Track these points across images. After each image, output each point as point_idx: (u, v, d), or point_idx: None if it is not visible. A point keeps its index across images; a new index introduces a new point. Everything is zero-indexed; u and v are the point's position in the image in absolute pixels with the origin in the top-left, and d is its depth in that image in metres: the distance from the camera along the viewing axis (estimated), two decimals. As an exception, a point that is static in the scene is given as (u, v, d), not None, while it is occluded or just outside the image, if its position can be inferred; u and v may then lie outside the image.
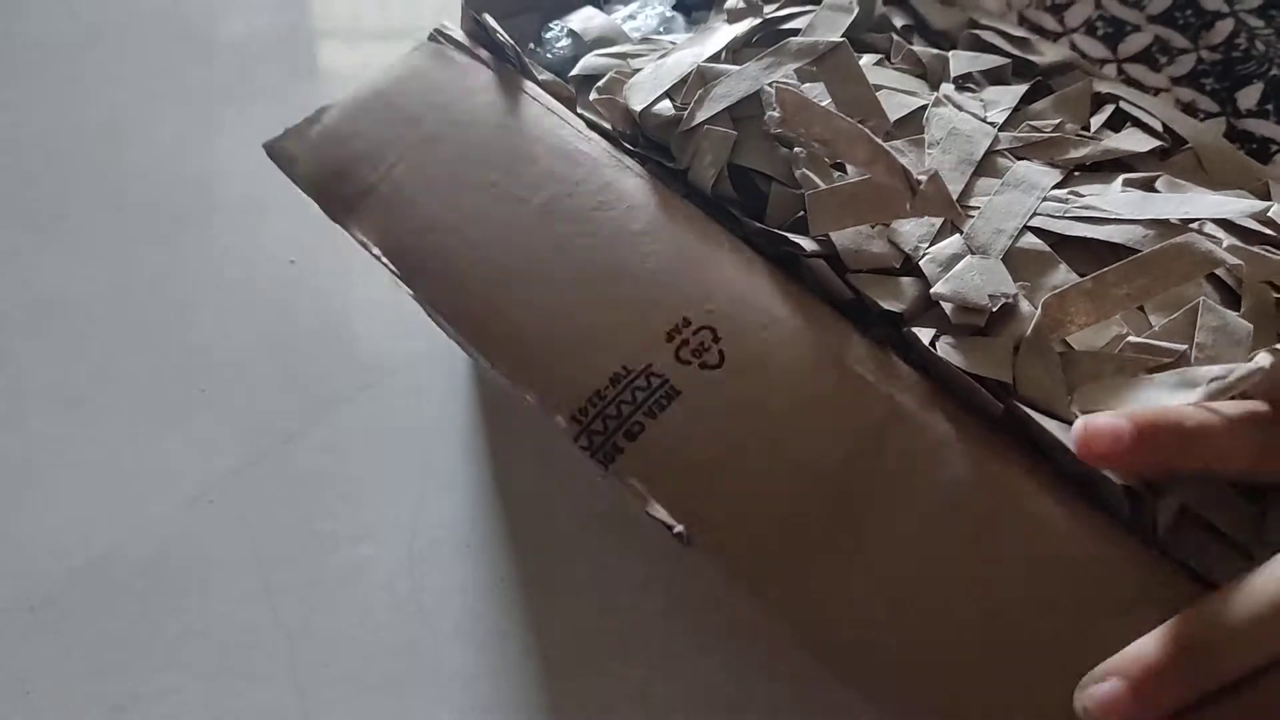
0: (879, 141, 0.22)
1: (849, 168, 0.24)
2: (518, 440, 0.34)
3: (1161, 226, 0.23)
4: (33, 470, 0.33)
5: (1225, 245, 0.22)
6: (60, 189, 0.42)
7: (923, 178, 0.22)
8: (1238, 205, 0.23)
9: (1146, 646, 0.18)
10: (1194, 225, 0.23)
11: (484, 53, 0.27)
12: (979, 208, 0.23)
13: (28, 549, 0.31)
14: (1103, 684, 0.18)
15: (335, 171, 0.26)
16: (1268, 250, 0.23)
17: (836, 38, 0.25)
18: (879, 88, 0.26)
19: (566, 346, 0.23)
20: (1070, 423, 0.20)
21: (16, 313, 0.38)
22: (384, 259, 0.25)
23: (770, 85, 0.25)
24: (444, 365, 0.36)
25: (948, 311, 0.22)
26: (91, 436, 0.34)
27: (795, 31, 0.27)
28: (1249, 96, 0.31)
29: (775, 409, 0.21)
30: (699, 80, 0.25)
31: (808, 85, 0.26)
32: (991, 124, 0.26)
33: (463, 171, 0.25)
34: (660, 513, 0.21)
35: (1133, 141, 0.26)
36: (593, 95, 0.27)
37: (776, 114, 0.23)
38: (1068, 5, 0.34)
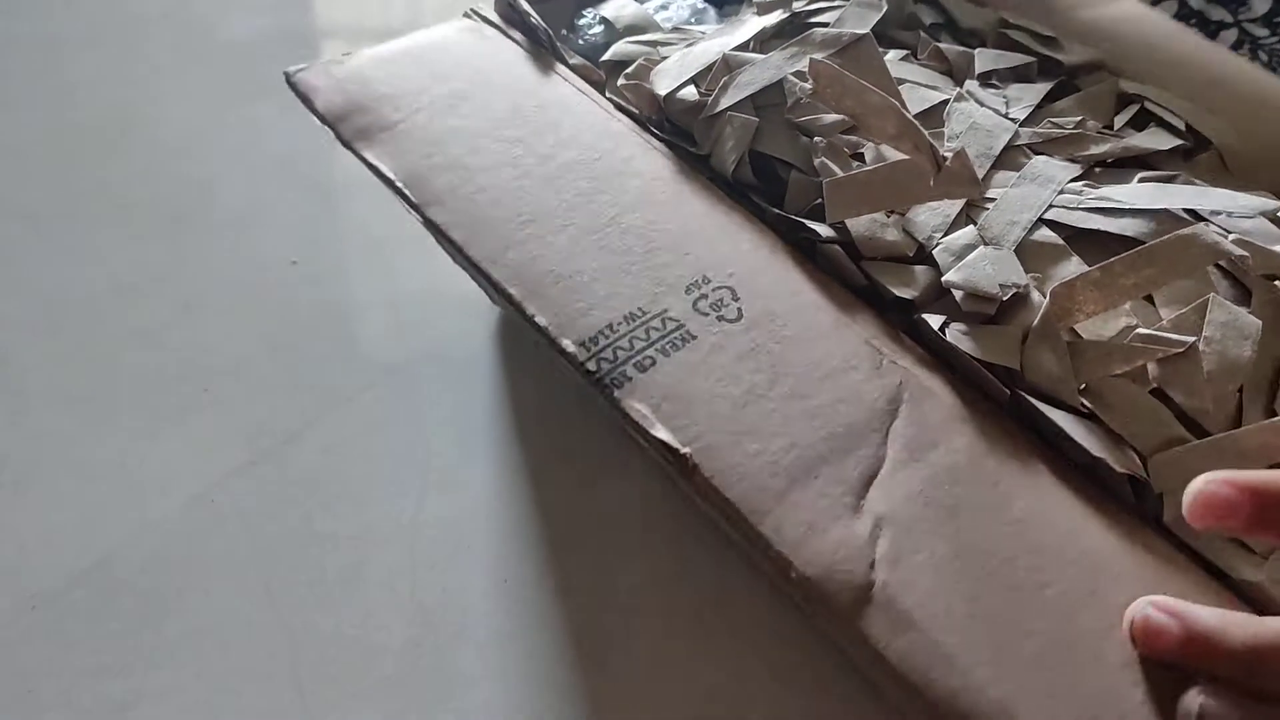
0: (909, 116, 0.22)
1: (868, 156, 0.24)
2: (519, 440, 0.34)
3: (1174, 220, 0.23)
4: (35, 470, 0.33)
5: (1236, 240, 0.23)
6: (63, 189, 0.43)
7: (948, 154, 0.22)
8: (1251, 202, 0.24)
9: (1209, 614, 0.18)
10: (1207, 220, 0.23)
11: (517, 34, 0.27)
12: (995, 200, 0.24)
13: (30, 548, 0.31)
14: (1160, 615, 0.18)
15: (357, 106, 0.27)
16: None
17: (863, 30, 0.25)
18: (902, 81, 0.26)
19: (582, 284, 0.23)
20: (1077, 411, 0.21)
21: (19, 312, 0.38)
22: (398, 183, 0.25)
23: (794, 74, 0.25)
24: (445, 365, 0.37)
25: (958, 299, 0.23)
26: (93, 436, 0.34)
27: (824, 25, 0.27)
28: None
29: (792, 361, 0.22)
30: (724, 68, 0.26)
31: None
32: (1013, 120, 0.26)
33: (488, 126, 0.26)
34: (664, 434, 0.20)
35: (1154, 140, 0.27)
36: (620, 81, 0.27)
37: (810, 85, 0.23)
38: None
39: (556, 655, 0.30)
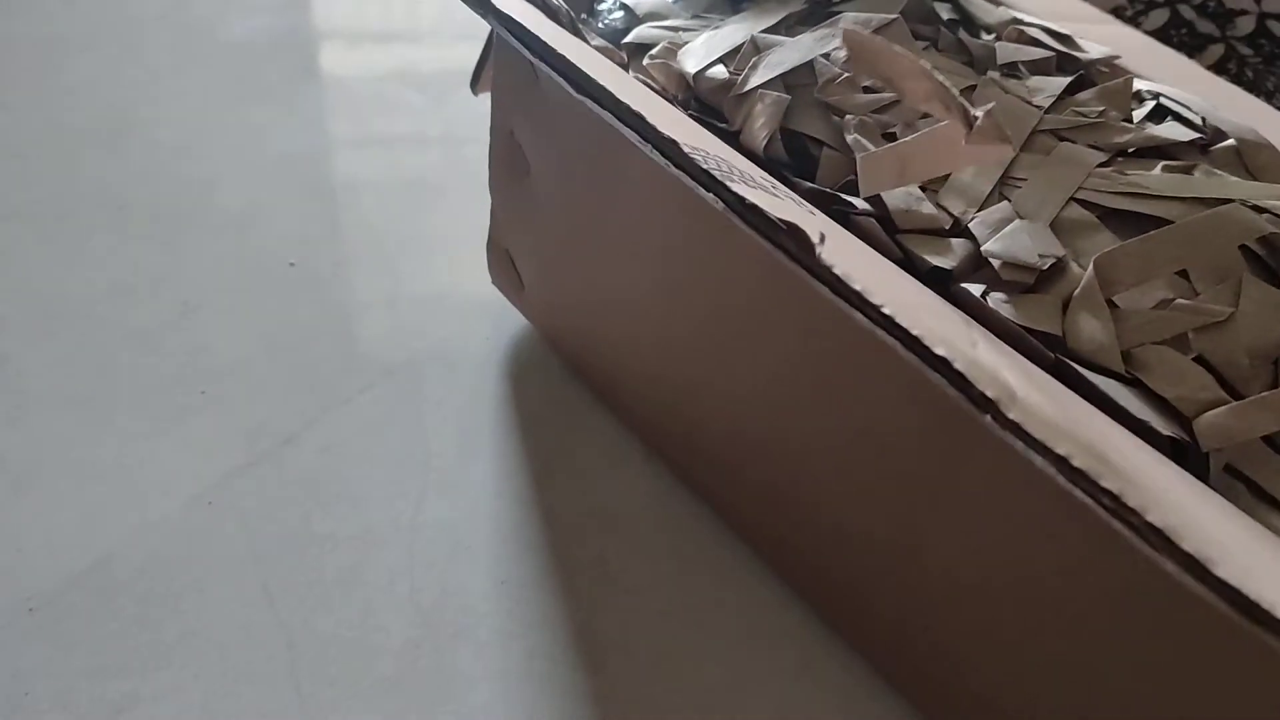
0: (939, 78, 0.22)
1: (899, 134, 0.25)
2: (519, 441, 0.34)
3: (1203, 206, 0.24)
4: (33, 471, 0.33)
5: (1269, 219, 0.23)
6: (61, 190, 0.42)
7: (979, 114, 0.22)
8: (1275, 190, 0.25)
9: None
10: None
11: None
12: (1026, 178, 0.24)
13: (27, 550, 0.31)
14: None
15: None
16: None
17: (892, 15, 0.25)
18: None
19: (671, 124, 0.21)
20: (1120, 378, 0.22)
21: (17, 314, 0.37)
22: None
23: (824, 56, 0.25)
24: (445, 366, 0.37)
25: (997, 268, 0.23)
26: (92, 437, 0.34)
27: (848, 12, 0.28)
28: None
29: (872, 258, 0.21)
30: (752, 48, 0.26)
31: None
32: (1038, 107, 0.26)
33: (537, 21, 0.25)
34: (788, 215, 0.19)
35: (1173, 131, 0.27)
36: (646, 60, 0.27)
37: (843, 54, 0.23)
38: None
39: (556, 655, 0.29)
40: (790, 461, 0.27)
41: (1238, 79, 0.31)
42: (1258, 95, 0.31)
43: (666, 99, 0.27)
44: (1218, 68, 0.31)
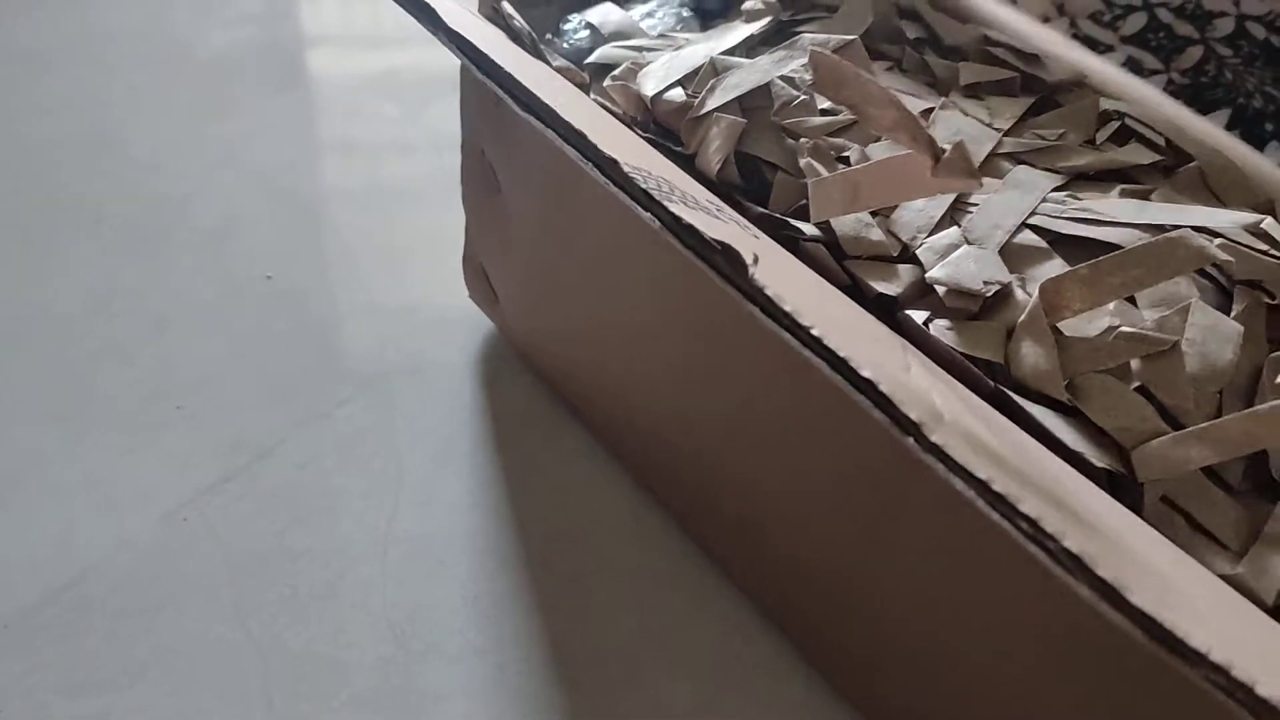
0: (906, 108, 0.22)
1: (853, 159, 0.25)
2: (492, 456, 0.34)
3: (1156, 232, 0.24)
4: (6, 487, 0.33)
5: (1221, 245, 0.23)
6: (36, 205, 0.43)
7: (946, 146, 0.22)
8: (1230, 216, 0.24)
9: None
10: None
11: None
12: (978, 204, 0.24)
13: (2, 567, 0.31)
14: None
15: None
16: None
17: (851, 36, 0.25)
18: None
19: (619, 146, 0.22)
20: (1062, 407, 0.22)
21: (-6, 328, 0.38)
22: None
23: (780, 78, 0.25)
24: (421, 379, 0.37)
25: (941, 295, 0.23)
26: (66, 453, 0.34)
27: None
28: (1216, 122, 0.31)
29: (807, 280, 0.22)
30: (711, 71, 0.26)
31: None
32: (997, 129, 0.26)
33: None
34: (723, 235, 0.19)
35: (1135, 154, 0.27)
36: (607, 82, 0.27)
37: (809, 77, 0.23)
38: (1044, 22, 0.34)
39: (528, 672, 0.30)
40: (759, 494, 0.27)
41: (1217, 80, 0.31)
42: (1237, 96, 0.31)
43: (624, 122, 0.27)
44: (1196, 69, 0.31)
